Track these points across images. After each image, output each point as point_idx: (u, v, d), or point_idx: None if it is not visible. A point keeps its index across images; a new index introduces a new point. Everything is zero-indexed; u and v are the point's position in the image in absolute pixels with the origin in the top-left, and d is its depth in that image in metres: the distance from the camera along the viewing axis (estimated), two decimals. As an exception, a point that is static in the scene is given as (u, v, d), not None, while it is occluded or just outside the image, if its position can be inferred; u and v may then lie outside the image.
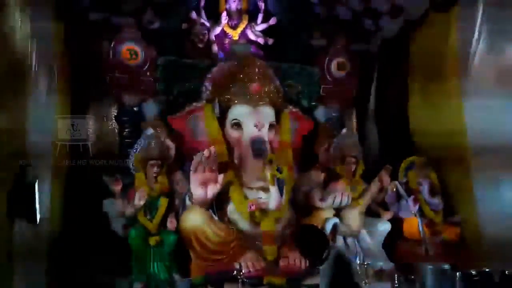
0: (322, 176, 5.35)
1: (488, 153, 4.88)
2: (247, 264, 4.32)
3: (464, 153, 5.13)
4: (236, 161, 5.07)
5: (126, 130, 5.36)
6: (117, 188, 4.65)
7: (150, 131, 4.94)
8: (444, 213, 5.38)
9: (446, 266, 4.10)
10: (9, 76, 3.59)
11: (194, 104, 5.31)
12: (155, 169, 4.75)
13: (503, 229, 4.74)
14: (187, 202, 4.73)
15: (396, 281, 4.18)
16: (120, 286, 4.22)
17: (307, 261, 4.07)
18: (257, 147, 4.96)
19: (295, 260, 4.47)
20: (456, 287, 3.87)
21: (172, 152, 4.99)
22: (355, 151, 5.45)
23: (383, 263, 4.86)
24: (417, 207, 5.08)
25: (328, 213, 5.05)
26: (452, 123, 5.32)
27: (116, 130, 5.44)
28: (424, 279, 4.00)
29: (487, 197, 4.98)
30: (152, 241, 4.50)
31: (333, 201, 5.14)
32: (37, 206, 3.65)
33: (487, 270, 3.99)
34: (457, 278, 3.89)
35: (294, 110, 5.68)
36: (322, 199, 5.15)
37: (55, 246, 4.11)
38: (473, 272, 3.95)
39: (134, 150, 4.83)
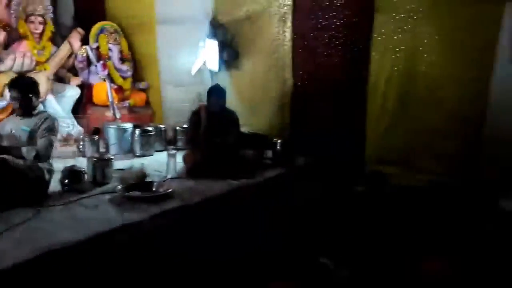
0: (2, 35, 4.74)
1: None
2: None
3: (150, 21, 5.36)
4: None
5: None
6: None
7: None
8: (132, 80, 5.63)
9: (127, 125, 4.53)
10: None
11: None
12: None
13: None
14: None
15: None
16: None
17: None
18: None
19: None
20: (132, 139, 4.48)
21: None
22: (41, 9, 4.98)
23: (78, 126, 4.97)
24: (106, 72, 5.16)
25: (7, 78, 4.61)
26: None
27: None
28: (108, 135, 4.47)
29: (168, 64, 5.42)
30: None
31: (13, 63, 4.73)
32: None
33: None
34: (136, 133, 4.46)
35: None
36: (0, 60, 4.64)
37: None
38: (149, 128, 4.58)
39: None
